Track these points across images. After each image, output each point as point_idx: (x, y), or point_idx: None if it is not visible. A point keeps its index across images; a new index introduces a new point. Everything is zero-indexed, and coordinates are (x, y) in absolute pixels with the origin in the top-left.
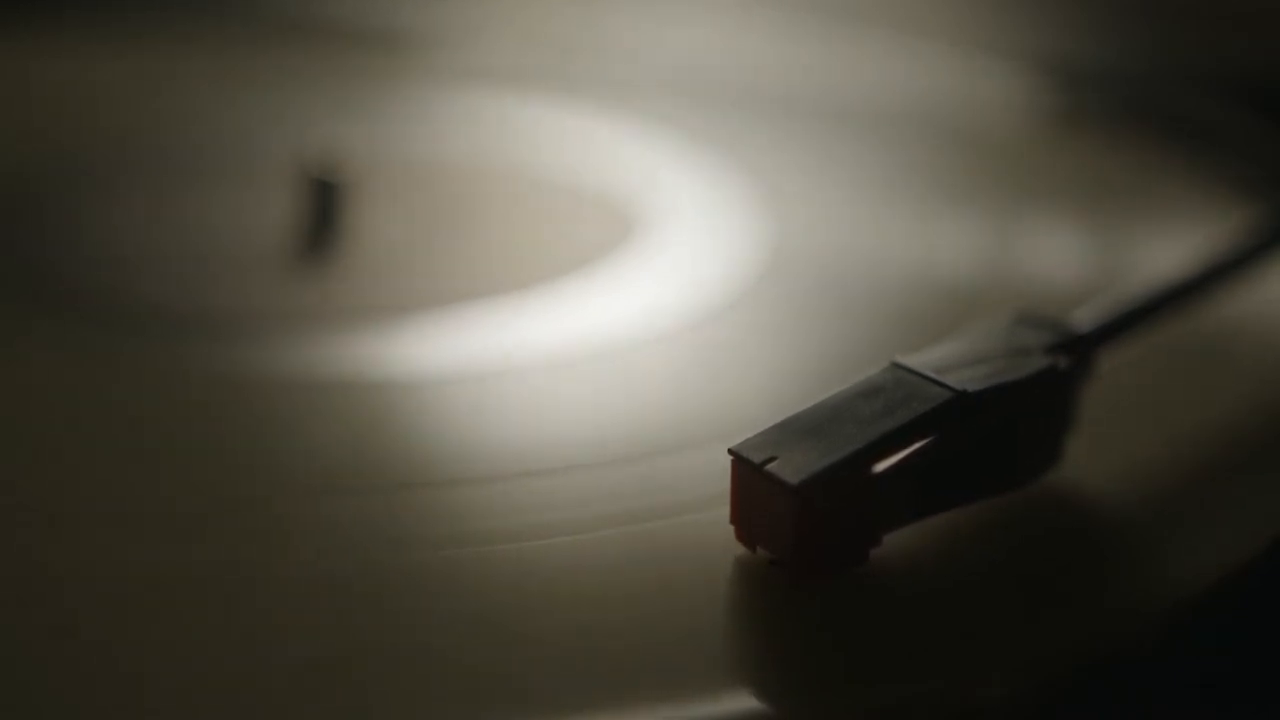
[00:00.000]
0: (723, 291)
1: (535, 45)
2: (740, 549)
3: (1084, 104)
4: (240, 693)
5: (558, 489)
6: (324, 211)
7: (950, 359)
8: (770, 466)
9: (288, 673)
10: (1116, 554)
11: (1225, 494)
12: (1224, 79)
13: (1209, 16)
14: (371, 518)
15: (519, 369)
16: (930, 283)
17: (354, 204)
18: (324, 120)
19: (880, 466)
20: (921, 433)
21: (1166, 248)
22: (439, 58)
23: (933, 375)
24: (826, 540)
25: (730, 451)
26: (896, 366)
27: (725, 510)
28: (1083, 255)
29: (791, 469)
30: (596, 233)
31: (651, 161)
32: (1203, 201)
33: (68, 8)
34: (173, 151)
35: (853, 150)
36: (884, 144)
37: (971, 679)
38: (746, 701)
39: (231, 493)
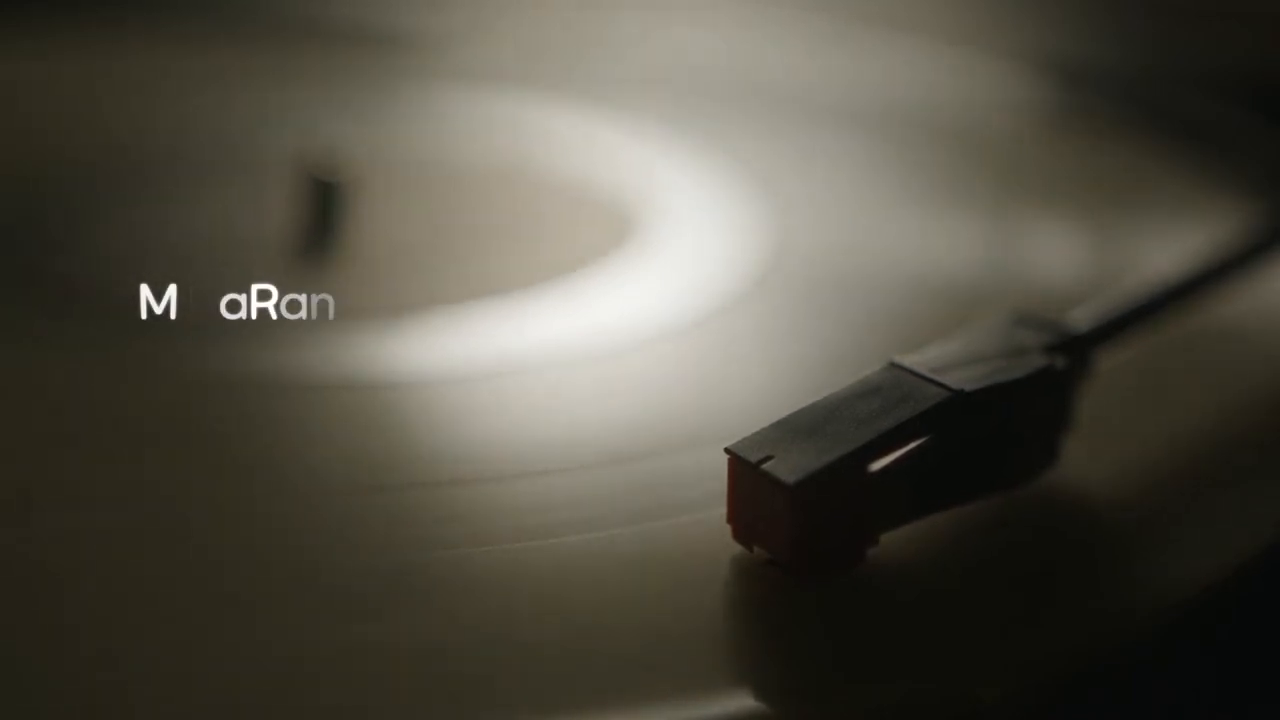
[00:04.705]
0: (722, 291)
1: (535, 45)
2: (737, 548)
3: (1084, 104)
4: (238, 692)
5: (556, 489)
6: (324, 211)
7: (948, 358)
8: (766, 465)
9: (286, 672)
10: (1114, 554)
11: (1224, 494)
12: (1224, 79)
13: (1209, 16)
14: (370, 518)
15: (519, 369)
16: (929, 282)
17: (354, 204)
18: (324, 120)
19: (877, 466)
20: (918, 432)
21: (1166, 248)
22: (439, 58)
23: (930, 375)
24: (823, 539)
25: (727, 450)
26: (894, 366)
27: (723, 510)
28: (1081, 255)
29: (787, 468)
30: (596, 233)
31: (651, 161)
32: (1203, 201)
33: (68, 8)
34: (173, 151)
35: (853, 150)
36: (884, 143)
37: (969, 679)
38: (743, 701)
39: (230, 493)
